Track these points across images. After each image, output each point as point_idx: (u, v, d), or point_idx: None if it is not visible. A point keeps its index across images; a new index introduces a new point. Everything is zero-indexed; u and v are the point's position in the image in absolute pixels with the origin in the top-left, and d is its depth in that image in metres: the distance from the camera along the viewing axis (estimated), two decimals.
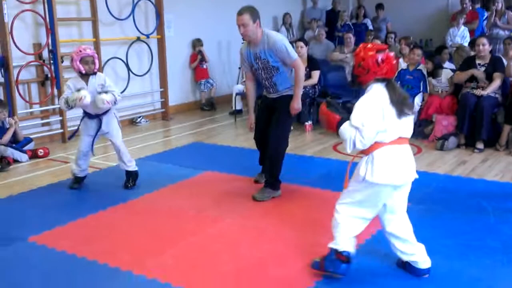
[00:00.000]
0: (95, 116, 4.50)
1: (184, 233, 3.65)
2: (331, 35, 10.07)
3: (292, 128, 6.71)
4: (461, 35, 8.67)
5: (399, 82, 6.54)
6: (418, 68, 6.52)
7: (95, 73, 4.42)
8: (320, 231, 3.61)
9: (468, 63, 5.98)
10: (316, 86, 7.12)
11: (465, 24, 8.86)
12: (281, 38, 4.19)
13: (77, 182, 4.66)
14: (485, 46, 5.79)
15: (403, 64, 6.82)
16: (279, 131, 4.27)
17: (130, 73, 7.59)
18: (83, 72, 4.33)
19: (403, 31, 9.53)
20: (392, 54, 2.81)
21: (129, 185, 4.64)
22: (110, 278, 3.03)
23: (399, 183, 2.76)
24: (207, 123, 7.77)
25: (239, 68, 8.96)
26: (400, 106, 2.69)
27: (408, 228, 2.92)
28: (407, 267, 2.98)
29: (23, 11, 6.15)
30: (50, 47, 6.45)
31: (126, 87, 7.54)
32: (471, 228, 3.64)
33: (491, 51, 5.97)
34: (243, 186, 4.64)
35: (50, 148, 6.04)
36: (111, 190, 4.62)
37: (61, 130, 6.66)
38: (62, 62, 6.54)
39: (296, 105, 4.22)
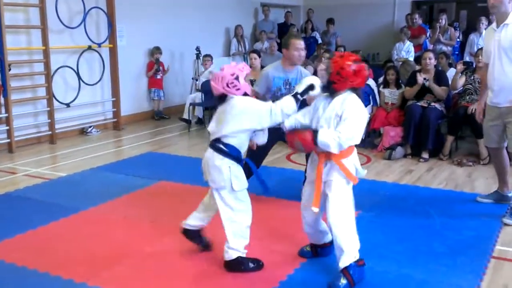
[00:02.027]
0: None
1: (140, 243, 3.61)
2: (281, 48, 10.25)
3: None
4: (406, 50, 9.06)
5: None
6: (367, 82, 6.73)
7: None
8: (275, 239, 3.68)
9: (414, 78, 6.26)
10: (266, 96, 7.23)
11: (411, 39, 9.26)
12: (308, 72, 4.47)
13: None
14: (431, 60, 6.09)
15: None
16: None
17: (81, 82, 7.44)
18: (249, 93, 3.20)
19: (352, 45, 9.87)
20: (365, 65, 3.00)
21: None
22: None
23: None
24: (160, 133, 7.72)
25: (192, 78, 9.00)
26: None
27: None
28: (319, 251, 3.32)
29: None
30: None
31: (77, 96, 7.38)
32: (418, 233, 3.80)
33: (435, 66, 6.27)
34: (199, 196, 4.61)
35: None
36: (62, 201, 4.51)
37: (8, 140, 6.43)
38: (10, 70, 6.34)
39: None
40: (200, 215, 3.37)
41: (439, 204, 4.45)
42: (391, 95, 6.56)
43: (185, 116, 8.07)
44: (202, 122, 8.14)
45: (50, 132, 7.01)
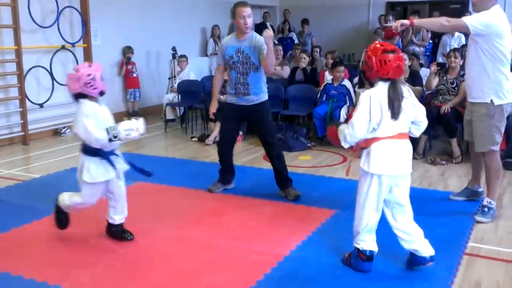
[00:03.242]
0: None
1: (114, 244, 3.58)
2: None
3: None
4: None
5: (325, 96, 6.81)
6: (343, 83, 6.79)
7: None
8: (252, 239, 3.68)
9: None
10: None
11: (385, 40, 9.37)
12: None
13: None
14: (405, 61, 6.19)
15: (328, 78, 7.10)
16: (274, 135, 4.59)
17: (55, 82, 7.32)
18: (105, 93, 3.56)
19: (327, 45, 9.96)
20: (399, 55, 2.91)
21: None
22: None
23: (394, 174, 2.97)
24: None
25: (169, 78, 8.95)
26: (394, 105, 2.87)
27: (409, 219, 3.14)
28: (412, 259, 3.16)
29: None
30: None
31: (50, 96, 7.27)
32: (392, 231, 3.84)
33: (409, 66, 6.37)
34: (175, 196, 4.62)
35: None
36: (35, 202, 4.42)
37: None
38: None
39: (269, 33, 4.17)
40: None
41: (413, 202, 4.41)
42: None
43: (167, 116, 8.07)
44: (184, 120, 8.04)
45: (23, 133, 6.89)
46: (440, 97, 6.18)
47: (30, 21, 6.84)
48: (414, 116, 3.04)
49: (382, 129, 2.92)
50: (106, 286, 3.00)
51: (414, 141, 6.07)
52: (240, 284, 3.04)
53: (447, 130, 5.99)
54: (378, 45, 2.95)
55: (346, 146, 3.00)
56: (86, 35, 7.69)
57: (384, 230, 3.20)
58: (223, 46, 4.49)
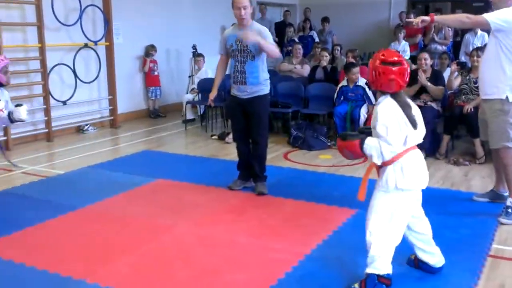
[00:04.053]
0: None
1: (138, 241, 3.62)
2: (279, 46, 10.27)
3: None
4: (401, 49, 9.07)
5: (342, 97, 6.75)
6: (358, 84, 6.72)
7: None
8: (273, 237, 3.69)
9: (411, 77, 6.25)
10: None
11: (406, 38, 9.29)
12: (266, 29, 4.54)
13: None
14: (426, 60, 6.13)
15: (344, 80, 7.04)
16: (262, 133, 4.64)
17: (77, 80, 7.42)
18: (4, 83, 3.95)
19: (348, 43, 9.90)
20: (394, 69, 2.72)
21: None
22: (62, 287, 2.96)
23: (424, 186, 2.89)
24: (156, 131, 7.71)
25: (189, 76, 9.00)
26: (410, 115, 2.74)
27: (429, 229, 3.05)
28: (420, 265, 3.12)
29: None
30: None
31: (73, 94, 7.37)
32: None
33: (431, 65, 6.30)
34: (196, 194, 4.65)
35: None
36: (59, 198, 4.50)
37: (5, 138, 6.42)
38: None
39: (250, 35, 4.30)
40: None
41: (436, 202, 4.46)
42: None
43: (187, 116, 8.11)
44: (204, 119, 8.07)
45: (46, 130, 7.00)
46: (463, 96, 6.10)
47: (53, 19, 6.94)
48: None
49: (409, 141, 2.78)
50: (129, 281, 3.03)
51: (437, 141, 6.05)
52: (261, 282, 3.04)
53: (470, 130, 5.91)
54: (380, 55, 2.78)
55: (379, 162, 2.77)
56: (108, 33, 7.78)
57: None
58: (225, 36, 4.62)
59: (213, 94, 4.75)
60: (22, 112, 3.89)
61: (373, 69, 2.77)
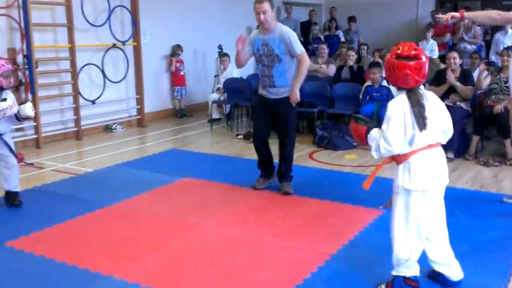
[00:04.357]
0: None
1: (164, 238, 3.66)
2: (305, 46, 10.25)
3: None
4: (430, 49, 8.95)
5: (367, 97, 6.70)
6: (383, 84, 6.65)
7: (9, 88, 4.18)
8: (298, 237, 3.69)
9: (439, 77, 6.18)
10: None
11: (434, 37, 9.15)
12: (291, 31, 4.48)
13: None
14: (456, 59, 6.03)
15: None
16: (290, 134, 4.64)
17: (106, 79, 7.55)
18: (4, 87, 4.06)
19: (374, 43, 9.79)
20: (411, 64, 2.62)
21: (17, 200, 4.37)
22: (91, 282, 3.02)
23: (438, 188, 2.76)
24: (183, 131, 7.78)
25: (215, 76, 9.05)
26: (418, 117, 2.62)
27: (447, 239, 2.89)
28: (438, 277, 2.96)
29: None
30: (25, 52, 6.38)
31: (102, 93, 7.50)
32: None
33: (460, 65, 6.19)
34: (222, 193, 4.68)
35: (23, 153, 5.94)
36: (88, 196, 4.59)
37: (36, 136, 6.58)
38: (37, 67, 6.47)
39: (294, 96, 4.44)
40: None
41: (465, 203, 4.40)
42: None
43: (213, 115, 8.16)
44: (230, 118, 8.11)
45: (76, 129, 7.14)
46: (493, 96, 5.98)
47: (83, 20, 7.07)
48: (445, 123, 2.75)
49: (419, 141, 2.65)
50: (155, 278, 3.07)
51: (466, 142, 5.95)
52: (286, 281, 3.04)
53: (500, 130, 5.79)
54: (396, 49, 2.68)
55: (376, 156, 2.72)
56: (135, 34, 7.89)
57: None
58: (251, 39, 4.57)
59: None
60: (27, 109, 4.11)
61: (388, 63, 2.69)
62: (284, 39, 4.36)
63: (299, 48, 4.42)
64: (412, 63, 2.62)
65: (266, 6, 4.33)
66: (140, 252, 3.42)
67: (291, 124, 4.62)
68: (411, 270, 2.84)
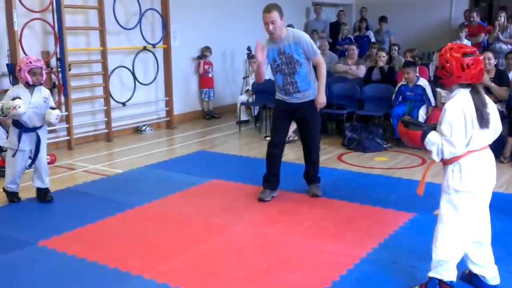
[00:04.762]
0: (32, 129, 4.34)
1: (193, 239, 3.68)
2: (334, 47, 10.17)
3: (296, 138, 6.77)
4: None
5: (400, 98, 6.60)
6: (418, 83, 6.54)
7: (41, 84, 4.33)
8: (327, 239, 3.65)
9: None
10: None
11: (469, 37, 8.95)
12: (305, 34, 4.39)
13: (17, 197, 4.55)
14: (490, 60, 5.88)
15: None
16: (316, 138, 4.59)
17: (136, 82, 7.65)
18: (30, 83, 4.22)
19: (406, 43, 9.65)
20: (480, 58, 2.65)
21: (48, 197, 4.54)
22: (122, 282, 3.06)
23: (487, 189, 2.73)
24: (211, 132, 7.82)
25: (243, 78, 9.06)
26: (483, 113, 2.61)
27: (488, 238, 2.85)
28: (474, 280, 2.91)
29: (32, 19, 6.23)
30: (58, 55, 6.52)
31: (132, 95, 7.60)
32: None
33: (495, 65, 6.04)
34: (250, 194, 4.67)
35: (56, 155, 6.07)
36: (118, 196, 4.65)
37: (68, 137, 6.71)
38: (70, 70, 6.60)
39: (321, 99, 4.39)
40: None
41: (500, 207, 4.22)
42: (448, 95, 6.32)
43: (241, 117, 8.19)
44: (258, 120, 8.11)
45: (106, 130, 7.25)
46: None
47: (114, 23, 7.18)
48: (497, 125, 2.73)
49: (473, 142, 2.62)
50: (185, 278, 3.09)
51: (501, 144, 5.78)
52: (315, 284, 3.02)
53: None
54: (456, 47, 2.64)
55: (438, 159, 2.67)
56: (166, 36, 7.97)
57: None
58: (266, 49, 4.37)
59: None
60: (52, 116, 4.31)
61: (457, 63, 2.59)
62: (301, 43, 4.25)
63: (316, 51, 4.36)
64: (479, 57, 2.62)
65: (274, 15, 4.19)
66: (169, 253, 3.44)
67: (316, 128, 4.55)
68: (450, 273, 2.78)
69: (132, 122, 7.78)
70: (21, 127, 4.32)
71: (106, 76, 7.15)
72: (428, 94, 6.48)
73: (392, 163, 5.80)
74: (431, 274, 2.82)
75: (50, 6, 6.38)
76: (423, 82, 6.58)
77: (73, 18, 6.81)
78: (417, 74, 6.66)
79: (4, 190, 4.54)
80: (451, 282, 2.79)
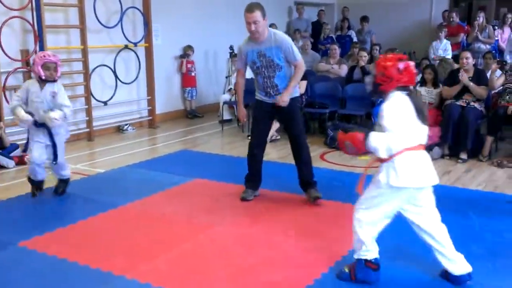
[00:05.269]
0: (43, 124, 4.35)
1: (176, 239, 3.67)
2: (315, 46, 10.21)
3: (279, 137, 6.79)
4: (443, 48, 8.88)
5: None
6: None
7: (55, 80, 4.32)
8: (310, 238, 3.67)
9: (453, 77, 6.13)
10: (303, 96, 7.21)
11: (448, 37, 9.07)
12: (288, 38, 4.28)
13: (40, 188, 4.64)
14: (468, 59, 5.96)
15: None
16: (302, 136, 4.46)
17: (118, 80, 7.59)
18: (43, 77, 4.25)
19: (387, 43, 9.73)
20: (412, 63, 2.90)
21: (60, 191, 4.65)
22: (103, 282, 3.04)
23: (421, 186, 2.86)
24: (194, 131, 7.80)
25: (226, 77, 9.05)
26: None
27: (442, 230, 2.98)
28: (447, 275, 3.01)
29: (11, 17, 6.14)
30: None
31: (114, 94, 7.54)
32: (456, 235, 3.67)
33: (474, 65, 6.13)
34: (233, 194, 4.67)
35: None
36: (100, 196, 4.62)
37: None
38: None
39: (284, 97, 4.20)
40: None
41: (478, 205, 4.36)
42: (428, 94, 6.42)
43: (224, 116, 8.18)
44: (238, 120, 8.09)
45: (88, 130, 7.18)
46: (507, 96, 5.92)
47: (95, 22, 7.11)
48: None
49: (410, 139, 2.79)
50: (168, 278, 3.08)
51: (480, 142, 5.88)
52: (297, 282, 3.03)
53: None
54: (391, 55, 2.96)
55: (385, 155, 2.78)
56: (147, 35, 7.92)
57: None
58: (243, 51, 4.34)
59: (242, 114, 4.58)
60: (45, 118, 4.29)
61: (394, 68, 2.82)
62: (282, 47, 4.16)
63: (297, 56, 4.23)
64: (411, 63, 2.88)
65: (257, 15, 4.09)
66: (152, 253, 3.42)
67: (300, 125, 4.46)
68: (371, 252, 2.98)
69: (113, 121, 7.72)
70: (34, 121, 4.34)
71: (87, 75, 7.08)
72: None
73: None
74: (356, 256, 3.02)
75: (30, 4, 6.30)
76: None
77: (53, 16, 6.73)
78: None
79: (28, 179, 4.61)
80: (376, 259, 2.99)
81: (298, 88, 4.44)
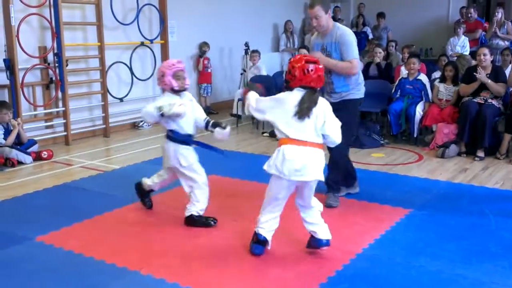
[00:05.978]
0: (188, 135, 4.09)
1: (190, 235, 3.69)
2: None
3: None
4: (461, 45, 8.76)
5: (399, 91, 6.62)
6: (418, 78, 6.56)
7: (185, 90, 3.90)
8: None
9: (470, 73, 6.05)
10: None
11: (466, 33, 8.96)
12: (349, 34, 4.18)
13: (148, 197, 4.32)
14: (486, 56, 5.87)
15: (404, 72, 6.90)
16: (343, 137, 3.84)
17: (134, 77, 7.64)
18: (176, 88, 3.80)
19: (403, 39, 9.65)
20: (320, 67, 3.13)
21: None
22: (118, 277, 3.07)
23: (293, 179, 3.11)
24: None
25: (241, 74, 9.06)
26: (302, 111, 3.05)
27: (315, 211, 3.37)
28: (312, 242, 3.36)
29: (29, 14, 6.22)
30: (56, 51, 6.51)
31: (129, 91, 7.59)
32: (472, 233, 3.68)
33: (492, 61, 6.04)
34: (247, 190, 4.68)
35: (53, 150, 6.07)
36: (116, 192, 4.66)
37: (65, 133, 6.71)
38: (67, 65, 6.60)
39: (323, 60, 3.87)
40: (155, 179, 4.18)
41: (495, 203, 4.30)
42: (446, 91, 6.36)
43: (234, 111, 8.15)
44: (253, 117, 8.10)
45: (104, 126, 7.25)
46: None
47: (112, 19, 7.17)
48: (323, 128, 3.12)
49: (290, 132, 3.07)
50: (182, 273, 3.09)
51: (497, 140, 5.80)
52: (310, 280, 3.03)
53: None
54: (301, 56, 3.18)
55: (247, 112, 3.29)
56: (163, 32, 7.96)
57: None
58: (311, 43, 4.42)
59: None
60: (219, 134, 4.24)
61: (299, 68, 3.07)
62: (340, 44, 4.11)
63: (351, 54, 4.10)
64: (319, 66, 3.13)
65: (317, 10, 4.07)
66: (167, 249, 3.45)
67: (346, 127, 3.85)
68: (263, 230, 3.34)
69: (129, 117, 7.77)
70: (177, 137, 4.01)
71: (103, 71, 7.14)
72: (427, 90, 6.51)
73: (389, 159, 5.82)
74: (255, 229, 3.36)
75: (47, 1, 6.37)
76: (423, 77, 6.61)
77: (70, 13, 6.80)
78: (419, 67, 6.71)
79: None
80: (260, 235, 3.34)
81: (359, 90, 4.27)
